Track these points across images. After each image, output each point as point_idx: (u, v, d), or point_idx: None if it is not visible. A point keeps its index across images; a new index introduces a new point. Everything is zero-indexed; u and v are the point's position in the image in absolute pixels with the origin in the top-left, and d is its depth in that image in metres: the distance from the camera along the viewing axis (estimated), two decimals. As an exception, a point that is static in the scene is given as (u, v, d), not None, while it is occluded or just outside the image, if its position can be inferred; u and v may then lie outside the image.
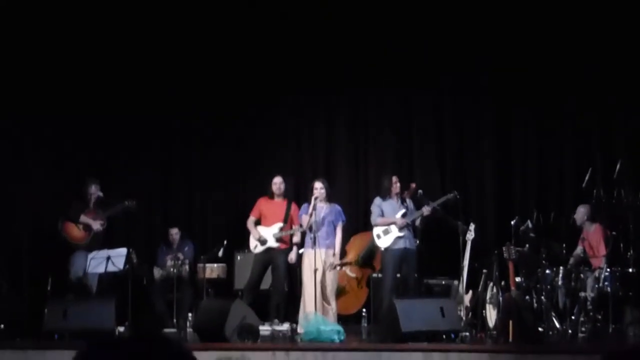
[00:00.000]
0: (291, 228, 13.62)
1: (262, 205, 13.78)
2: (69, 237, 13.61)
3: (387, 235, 13.31)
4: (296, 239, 13.58)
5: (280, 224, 13.62)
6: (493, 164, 15.12)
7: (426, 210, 13.30)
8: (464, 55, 14.93)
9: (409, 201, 13.52)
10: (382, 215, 13.42)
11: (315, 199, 12.97)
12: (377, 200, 13.59)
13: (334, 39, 15.01)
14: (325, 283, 12.92)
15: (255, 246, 13.67)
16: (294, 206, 13.79)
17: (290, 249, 13.67)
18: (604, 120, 14.82)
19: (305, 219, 13.04)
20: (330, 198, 13.27)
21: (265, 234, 13.57)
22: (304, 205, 13.28)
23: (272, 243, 13.57)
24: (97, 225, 13.66)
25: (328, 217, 13.11)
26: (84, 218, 13.68)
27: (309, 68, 15.20)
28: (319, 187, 13.11)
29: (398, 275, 13.29)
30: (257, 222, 13.73)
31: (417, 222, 13.49)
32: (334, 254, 13.09)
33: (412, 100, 15.42)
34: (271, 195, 13.76)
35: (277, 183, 13.71)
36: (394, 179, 13.54)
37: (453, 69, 15.06)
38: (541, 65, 14.73)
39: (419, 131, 15.40)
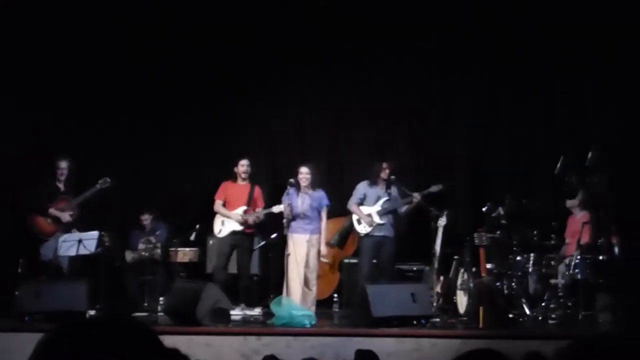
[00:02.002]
0: (254, 211, 13.55)
1: (226, 188, 13.72)
2: (38, 230, 13.43)
3: (365, 223, 13.30)
4: (259, 217, 13.55)
5: (244, 207, 13.56)
6: (466, 151, 15.14)
7: (416, 199, 13.27)
8: (440, 45, 14.96)
9: (393, 188, 13.43)
10: (364, 199, 13.38)
11: (293, 185, 12.85)
12: (362, 185, 13.50)
13: (312, 17, 14.95)
14: (308, 268, 12.85)
15: (219, 230, 13.64)
16: (257, 190, 13.74)
17: (255, 234, 13.73)
18: (575, 108, 14.86)
19: (285, 203, 12.92)
20: (314, 184, 13.14)
21: (233, 216, 13.54)
22: (291, 190, 12.99)
23: (237, 226, 13.53)
24: (66, 217, 13.45)
25: (313, 203, 13.00)
26: (52, 211, 13.45)
27: (287, 50, 15.19)
28: (304, 171, 12.98)
29: (374, 261, 13.28)
30: (223, 206, 13.69)
31: (402, 210, 13.47)
32: (320, 242, 13.03)
33: (389, 86, 15.36)
34: (235, 179, 13.68)
35: (244, 165, 13.61)
36: (385, 164, 13.42)
37: (431, 60, 15.10)
38: (514, 58, 14.75)
39: (395, 118, 15.37)
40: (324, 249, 13.05)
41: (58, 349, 2.23)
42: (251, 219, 13.51)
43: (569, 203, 13.43)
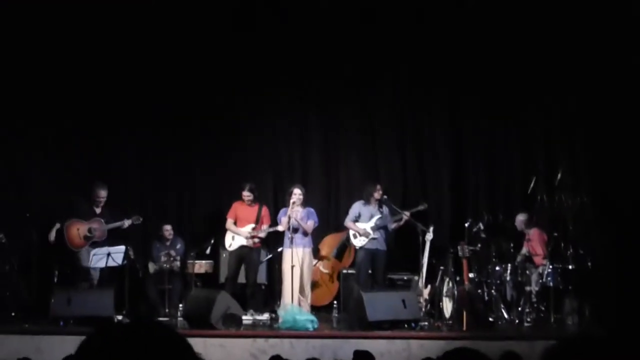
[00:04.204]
0: (261, 229, 13.68)
1: (237, 209, 13.83)
2: (69, 242, 13.44)
3: (362, 235, 13.41)
4: (262, 234, 13.69)
5: (252, 225, 13.68)
6: (448, 173, 15.13)
7: (405, 216, 13.38)
8: (422, 75, 14.95)
9: (384, 207, 13.56)
10: (359, 217, 13.49)
11: (294, 203, 13.03)
12: (357, 204, 13.67)
13: (311, 42, 14.93)
14: (302, 278, 12.96)
15: (230, 245, 13.77)
16: (264, 210, 13.86)
17: (261, 248, 13.95)
18: (546, 132, 14.87)
19: (284, 221, 13.09)
20: (306, 203, 13.32)
21: (242, 233, 13.64)
22: (283, 210, 13.32)
23: (245, 241, 13.63)
24: (82, 227, 13.49)
25: (304, 219, 13.15)
26: (89, 224, 13.55)
27: (284, 81, 15.14)
28: (297, 192, 13.17)
29: (369, 271, 13.38)
30: (233, 223, 13.80)
31: (391, 227, 13.58)
32: (311, 255, 13.37)
33: (377, 116, 15.36)
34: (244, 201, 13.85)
35: (246, 196, 13.74)
36: (378, 186, 13.63)
37: (413, 86, 15.12)
38: (490, 86, 14.77)
39: (384, 143, 15.35)
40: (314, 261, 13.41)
41: (99, 349, 2.28)
42: (258, 235, 13.62)
43: (519, 224, 13.55)
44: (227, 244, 13.83)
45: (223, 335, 11.30)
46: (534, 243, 13.30)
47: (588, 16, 13.74)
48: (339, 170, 15.40)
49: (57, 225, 13.43)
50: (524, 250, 13.40)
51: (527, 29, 14.30)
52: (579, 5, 13.88)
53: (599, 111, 13.99)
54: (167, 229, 14.32)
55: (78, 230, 13.44)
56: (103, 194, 13.67)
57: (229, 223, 13.79)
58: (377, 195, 13.52)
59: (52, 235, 13.42)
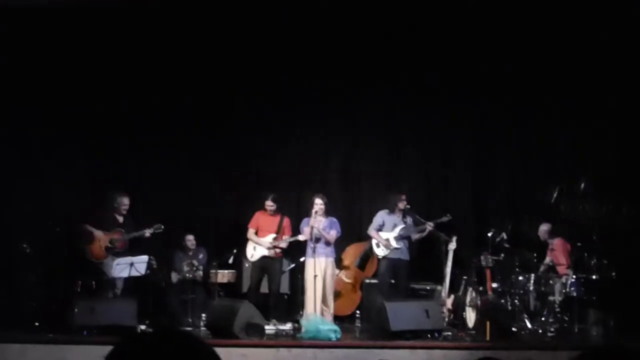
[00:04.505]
0: (282, 239, 13.71)
1: (259, 218, 13.87)
2: (91, 253, 13.48)
3: (384, 246, 13.42)
4: (284, 244, 13.71)
5: (274, 235, 13.71)
6: (472, 183, 15.11)
7: (429, 227, 13.40)
8: (445, 86, 14.93)
9: (408, 218, 13.57)
10: (383, 226, 13.51)
11: (316, 212, 13.03)
12: (381, 213, 13.69)
13: (335, 55, 14.94)
14: (325, 288, 12.97)
15: (251, 255, 13.80)
16: (286, 220, 13.89)
17: (283, 258, 13.92)
18: (569, 141, 14.82)
19: (306, 231, 13.10)
20: (328, 212, 13.33)
21: (263, 243, 13.68)
22: (305, 219, 13.32)
23: (266, 251, 13.66)
24: (100, 234, 13.49)
25: (326, 229, 13.16)
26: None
27: (308, 92, 15.19)
28: (319, 202, 13.16)
29: (392, 281, 13.38)
30: (255, 233, 13.85)
31: (414, 237, 13.59)
32: (334, 264, 13.35)
33: (400, 126, 15.37)
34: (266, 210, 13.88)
35: (269, 206, 13.78)
36: (403, 197, 13.66)
37: (437, 97, 15.10)
38: (512, 96, 14.73)
39: (407, 153, 15.34)
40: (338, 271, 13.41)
41: (130, 358, 2.30)
42: (279, 245, 13.64)
43: (542, 234, 13.51)
44: (248, 255, 13.84)
45: (246, 345, 11.30)
46: (557, 253, 13.25)
47: (614, 23, 13.75)
48: (361, 181, 15.40)
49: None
50: (547, 260, 13.36)
51: (547, 38, 14.28)
52: (606, 15, 13.85)
53: (623, 119, 13.98)
54: (190, 239, 14.35)
55: (99, 241, 13.50)
56: (126, 202, 13.73)
57: (250, 233, 13.81)
58: (401, 205, 13.53)
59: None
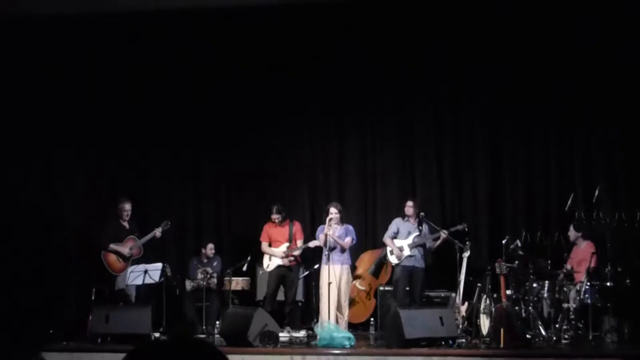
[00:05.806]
0: (296, 246, 13.78)
1: (268, 230, 13.94)
2: (110, 267, 13.51)
3: (395, 255, 13.44)
4: (297, 252, 13.79)
5: (287, 244, 13.77)
6: (486, 190, 15.07)
7: (443, 234, 13.42)
8: (460, 95, 14.95)
9: (424, 226, 13.59)
10: (397, 233, 13.55)
11: (330, 220, 13.05)
12: (396, 221, 13.75)
13: (347, 62, 14.98)
14: (340, 296, 12.98)
15: (267, 265, 13.85)
16: (296, 225, 13.97)
17: (299, 266, 13.92)
18: (583, 148, 14.78)
19: (321, 238, 13.10)
20: (343, 220, 13.35)
21: (277, 253, 13.73)
22: (321, 227, 13.32)
23: (281, 261, 13.70)
24: (125, 250, 13.44)
25: (341, 236, 13.18)
26: (112, 246, 13.50)
27: (322, 100, 15.26)
28: (334, 211, 13.17)
29: (407, 288, 13.39)
30: (268, 245, 13.90)
31: (429, 245, 13.60)
32: (349, 272, 13.37)
33: (415, 134, 15.36)
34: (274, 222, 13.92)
35: (275, 218, 13.83)
36: (410, 203, 13.72)
37: (451, 105, 15.12)
38: (527, 105, 14.71)
39: (422, 161, 15.32)
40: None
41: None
42: (293, 253, 13.68)
43: (572, 235, 13.46)
44: (264, 265, 13.91)
45: (260, 352, 11.32)
46: (582, 256, 13.10)
47: (629, 39, 13.78)
48: (376, 188, 15.39)
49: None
50: (568, 267, 13.27)
51: (568, 42, 14.32)
52: (624, 29, 13.86)
53: (638, 128, 13.97)
54: (210, 247, 14.40)
55: (118, 255, 13.55)
56: (128, 207, 13.77)
57: (264, 246, 13.89)
58: (406, 210, 13.59)
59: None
